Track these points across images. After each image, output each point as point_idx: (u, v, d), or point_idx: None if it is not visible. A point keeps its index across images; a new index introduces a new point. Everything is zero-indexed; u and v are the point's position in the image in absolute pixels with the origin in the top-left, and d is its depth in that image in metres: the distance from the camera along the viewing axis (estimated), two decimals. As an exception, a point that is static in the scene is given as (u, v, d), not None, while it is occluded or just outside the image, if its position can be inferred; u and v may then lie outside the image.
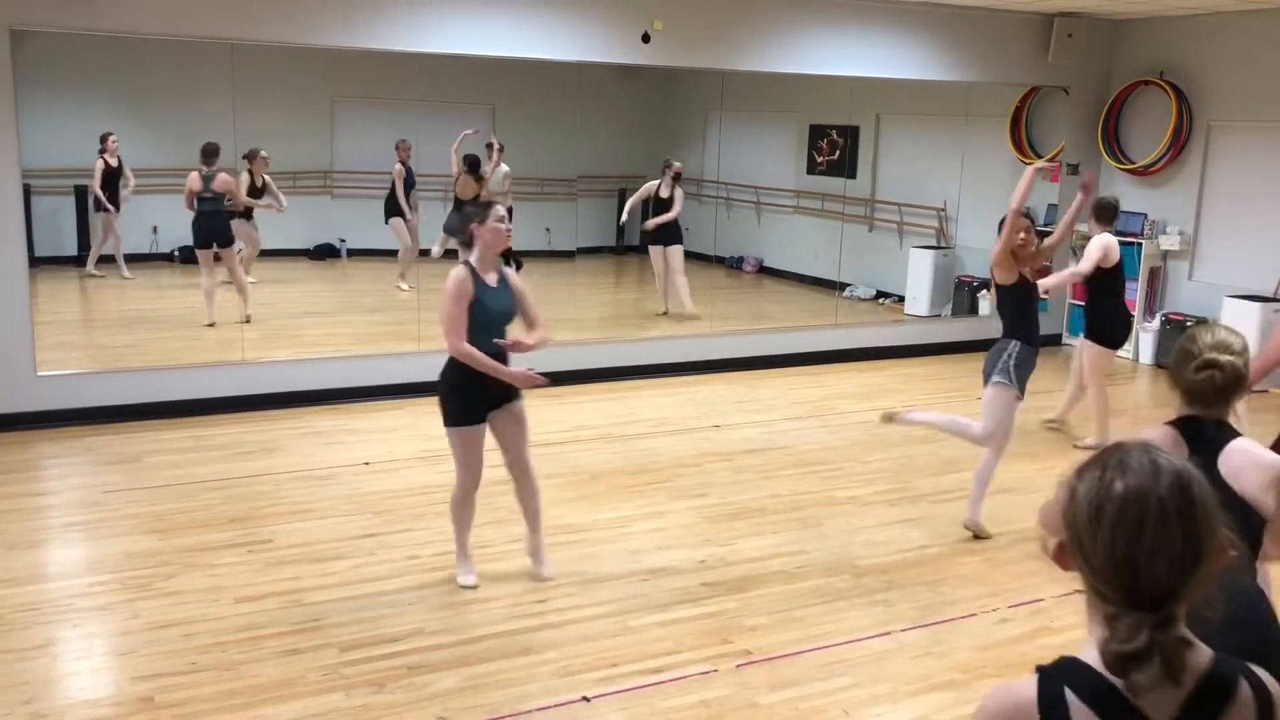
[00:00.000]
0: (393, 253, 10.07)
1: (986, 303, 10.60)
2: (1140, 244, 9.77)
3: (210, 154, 8.41)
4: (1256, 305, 8.69)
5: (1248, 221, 9.23)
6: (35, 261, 7.21)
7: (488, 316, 4.45)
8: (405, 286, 9.65)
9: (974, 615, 4.54)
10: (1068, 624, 4.44)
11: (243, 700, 3.72)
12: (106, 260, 9.30)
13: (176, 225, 9.28)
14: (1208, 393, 2.69)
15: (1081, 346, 7.20)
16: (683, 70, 9.19)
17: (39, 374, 6.79)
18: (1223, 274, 9.34)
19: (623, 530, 5.36)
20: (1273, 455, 2.70)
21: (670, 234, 9.95)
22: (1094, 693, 1.35)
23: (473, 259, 4.49)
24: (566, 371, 8.27)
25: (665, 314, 9.91)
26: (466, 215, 4.71)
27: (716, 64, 8.60)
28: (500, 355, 4.48)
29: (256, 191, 9.17)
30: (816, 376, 8.85)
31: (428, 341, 8.29)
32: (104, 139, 8.92)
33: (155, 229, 9.68)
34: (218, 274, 8.57)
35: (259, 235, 9.41)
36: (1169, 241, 9.64)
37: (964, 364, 9.49)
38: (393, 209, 9.82)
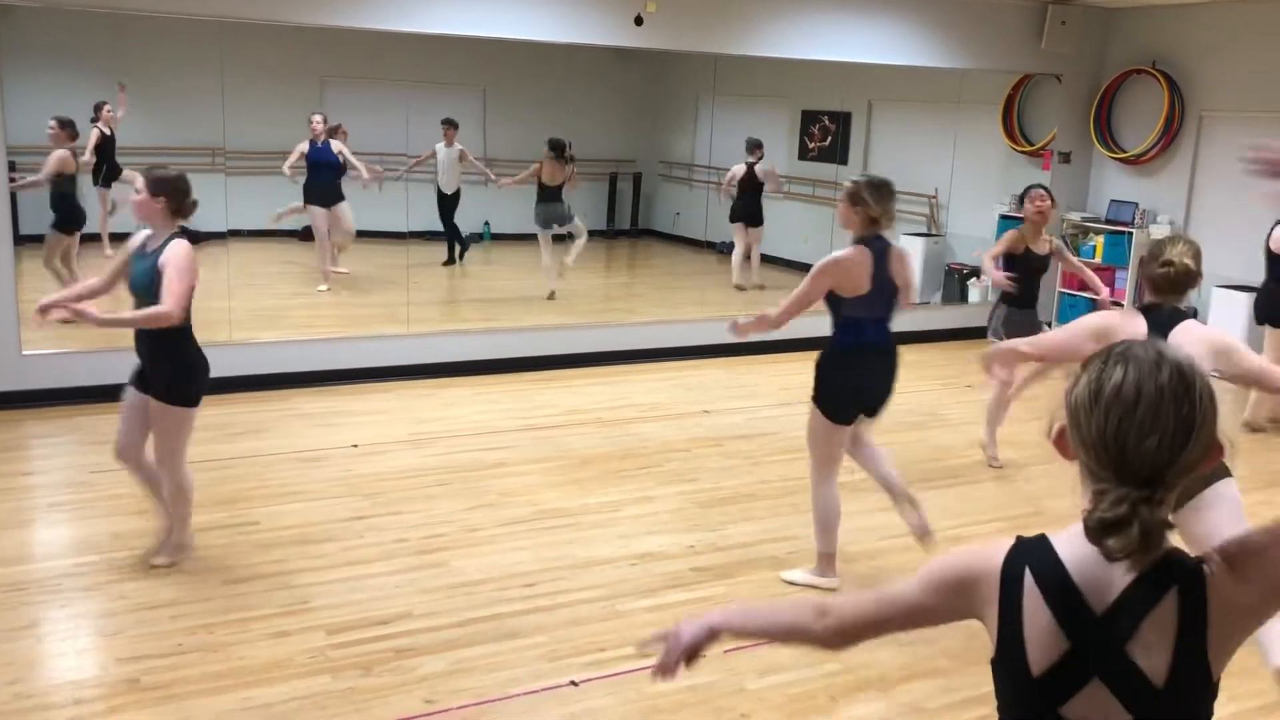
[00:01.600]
0: (381, 234, 10.00)
1: (977, 290, 10.62)
2: (1131, 233, 9.78)
3: None
4: (1245, 295, 8.71)
5: (1238, 212, 9.23)
6: (20, 239, 7.15)
7: None
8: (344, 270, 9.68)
9: (962, 602, 4.54)
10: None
11: (230, 682, 3.71)
12: (118, 238, 9.24)
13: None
14: (1164, 284, 3.55)
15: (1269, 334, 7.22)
16: (675, 54, 9.16)
17: (24, 353, 6.75)
18: (1212, 264, 9.23)
19: (612, 515, 5.35)
20: (1211, 330, 3.54)
21: (757, 213, 10.55)
22: (1048, 578, 1.45)
23: None
24: (557, 355, 8.28)
25: (741, 289, 10.49)
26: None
27: (709, 48, 8.57)
28: None
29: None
30: (806, 363, 8.77)
31: (417, 324, 8.28)
32: (98, 108, 8.83)
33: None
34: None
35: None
36: (1160, 231, 9.65)
37: (953, 351, 9.51)
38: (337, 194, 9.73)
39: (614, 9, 7.94)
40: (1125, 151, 9.89)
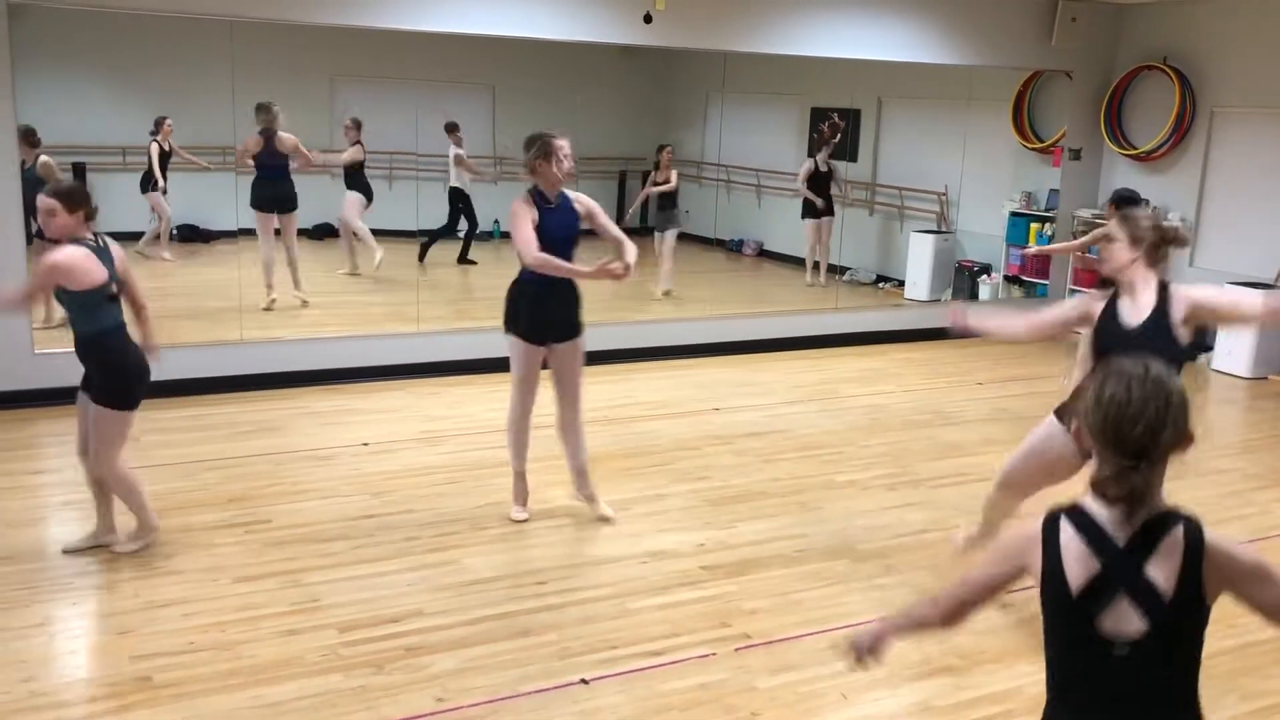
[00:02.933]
0: (392, 233, 10.00)
1: (987, 287, 10.59)
2: (1142, 230, 9.74)
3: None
4: (1257, 292, 8.67)
5: (1250, 208, 9.20)
6: (32, 239, 7.18)
7: None
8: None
9: (973, 600, 4.53)
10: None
11: (241, 680, 3.72)
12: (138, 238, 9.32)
13: (175, 204, 9.27)
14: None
15: None
16: (684, 51, 9.15)
17: (37, 352, 6.77)
18: (1224, 260, 9.32)
19: (622, 513, 5.35)
20: (1182, 287, 3.86)
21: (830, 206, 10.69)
22: (1079, 522, 1.97)
23: None
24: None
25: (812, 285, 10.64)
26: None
27: (718, 45, 8.55)
28: None
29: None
30: (816, 360, 8.84)
31: (426, 322, 8.29)
32: (159, 123, 8.93)
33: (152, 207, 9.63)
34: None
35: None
36: (1170, 228, 9.61)
37: (964, 349, 9.49)
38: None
39: (623, 7, 7.94)
40: (1136, 148, 9.85)
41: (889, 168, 11.21)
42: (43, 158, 7.62)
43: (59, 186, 4.42)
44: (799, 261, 11.11)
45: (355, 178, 9.84)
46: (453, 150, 10.33)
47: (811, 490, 5.80)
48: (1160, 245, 3.86)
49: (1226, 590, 1.92)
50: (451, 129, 10.25)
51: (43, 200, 4.32)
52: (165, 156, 8.99)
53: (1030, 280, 10.55)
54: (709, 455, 6.29)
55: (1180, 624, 1.91)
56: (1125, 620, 1.91)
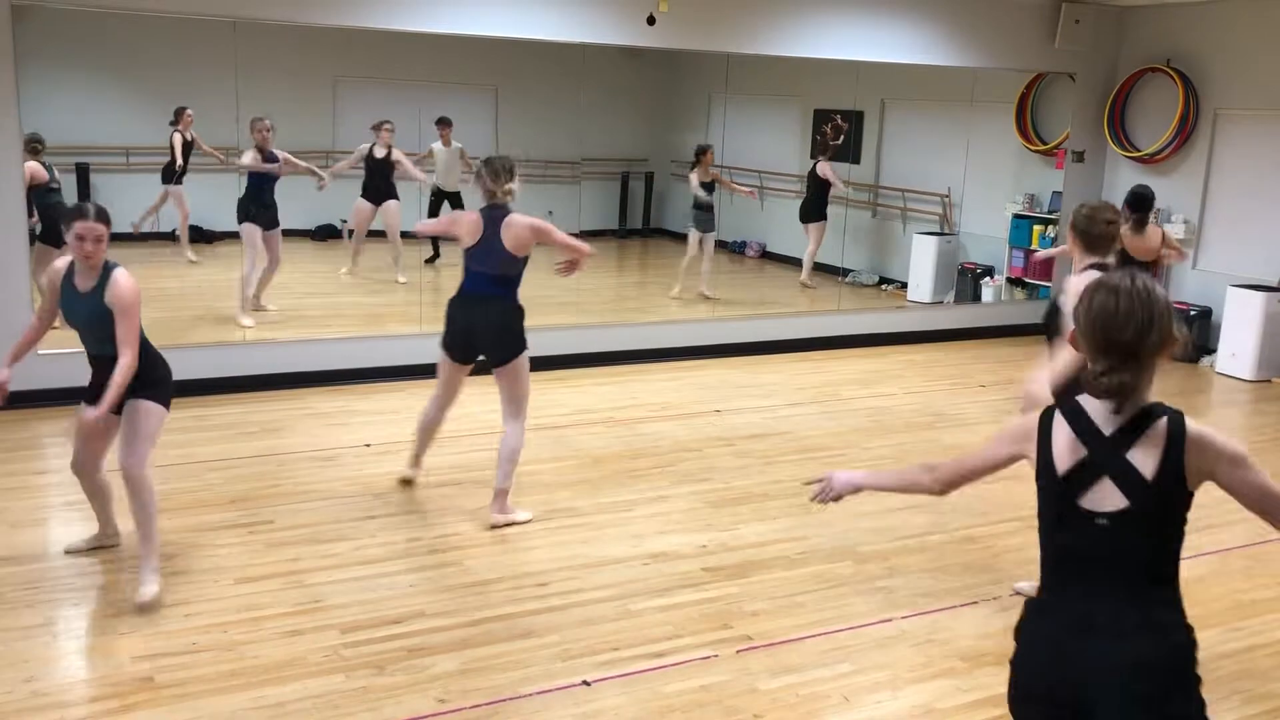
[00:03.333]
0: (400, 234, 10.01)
1: (990, 289, 10.59)
2: (1145, 232, 9.74)
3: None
4: (1260, 295, 8.67)
5: (1253, 211, 9.19)
6: (35, 239, 7.19)
7: None
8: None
9: (976, 603, 4.53)
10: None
11: (243, 681, 3.72)
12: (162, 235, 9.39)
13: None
14: (1107, 242, 4.28)
15: None
16: (687, 53, 9.15)
17: (39, 352, 6.75)
18: (1227, 263, 9.32)
19: (624, 514, 5.35)
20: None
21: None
22: (1071, 411, 2.21)
23: None
24: (569, 355, 8.28)
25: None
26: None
27: (721, 47, 8.56)
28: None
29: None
30: (819, 362, 8.84)
31: (429, 324, 8.28)
32: (179, 113, 8.89)
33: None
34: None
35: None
36: (1174, 230, 9.60)
37: (966, 351, 9.49)
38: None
39: (626, 8, 7.94)
40: (1139, 150, 9.84)
41: (892, 170, 11.21)
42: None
43: (104, 212, 4.18)
44: (802, 263, 11.11)
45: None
46: (443, 149, 10.33)
47: (814, 492, 5.79)
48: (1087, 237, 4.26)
49: (1207, 477, 2.14)
50: (447, 123, 10.20)
51: (98, 229, 4.11)
52: (187, 147, 9.00)
53: (1033, 282, 10.54)
54: (711, 457, 6.29)
55: (1161, 502, 2.12)
56: (1107, 499, 2.14)
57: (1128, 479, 2.12)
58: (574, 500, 5.50)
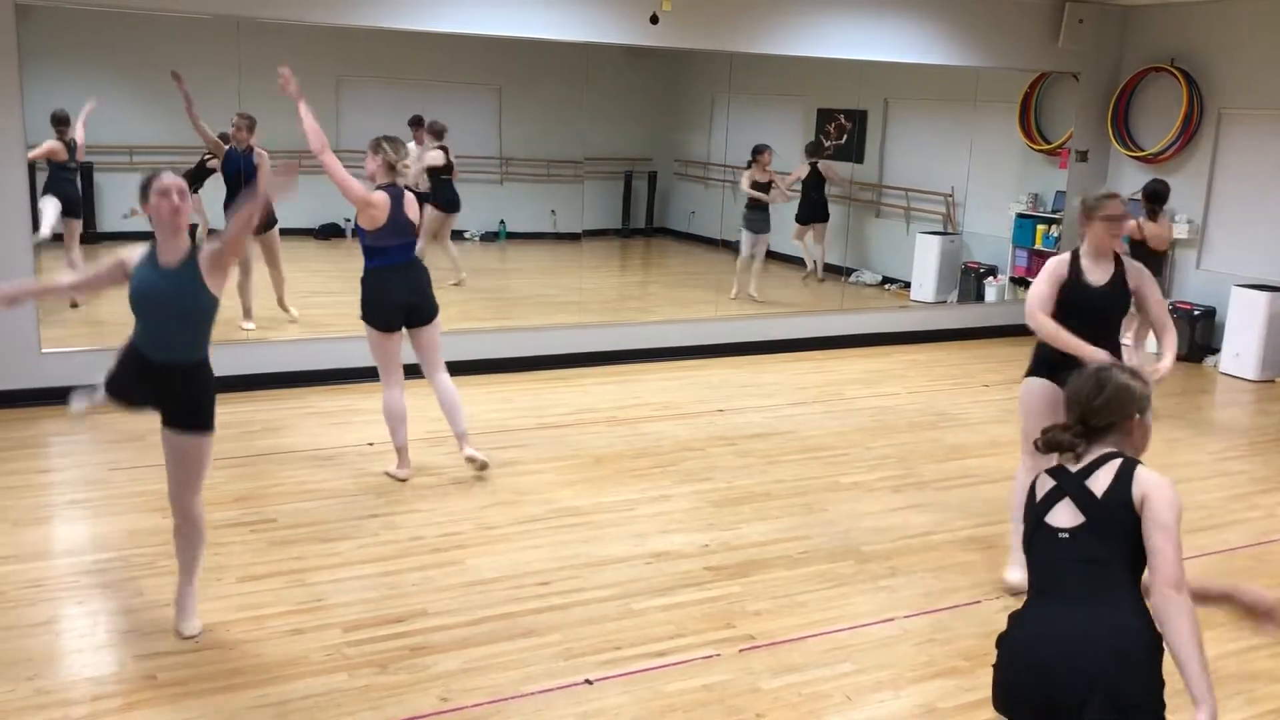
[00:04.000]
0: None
1: (993, 289, 10.58)
2: (1148, 232, 9.73)
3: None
4: (1264, 295, 8.66)
5: (1257, 210, 9.18)
6: (37, 229, 7.20)
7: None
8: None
9: (978, 602, 4.53)
10: (1072, 612, 4.44)
11: (245, 679, 3.72)
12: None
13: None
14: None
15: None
16: (691, 52, 9.15)
17: (43, 351, 6.79)
18: (1231, 263, 9.31)
19: (627, 514, 5.35)
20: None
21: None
22: (1053, 470, 2.67)
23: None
24: (571, 354, 8.29)
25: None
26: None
27: (725, 46, 8.55)
28: None
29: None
30: (822, 362, 8.84)
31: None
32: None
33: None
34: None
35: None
36: (1178, 230, 9.59)
37: (969, 350, 9.48)
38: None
39: (629, 8, 7.94)
40: (1143, 150, 9.83)
41: (895, 169, 11.20)
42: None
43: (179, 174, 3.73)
44: (804, 263, 11.12)
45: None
46: (417, 150, 10.31)
47: (816, 492, 5.79)
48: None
49: (1142, 514, 2.45)
50: (419, 124, 10.19)
51: (180, 183, 3.68)
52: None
53: (1036, 282, 10.52)
54: (714, 456, 6.29)
55: (1109, 517, 2.47)
56: (1068, 516, 2.54)
57: (1082, 498, 2.52)
58: (576, 499, 5.50)
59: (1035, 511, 2.60)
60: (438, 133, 9.67)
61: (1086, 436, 2.59)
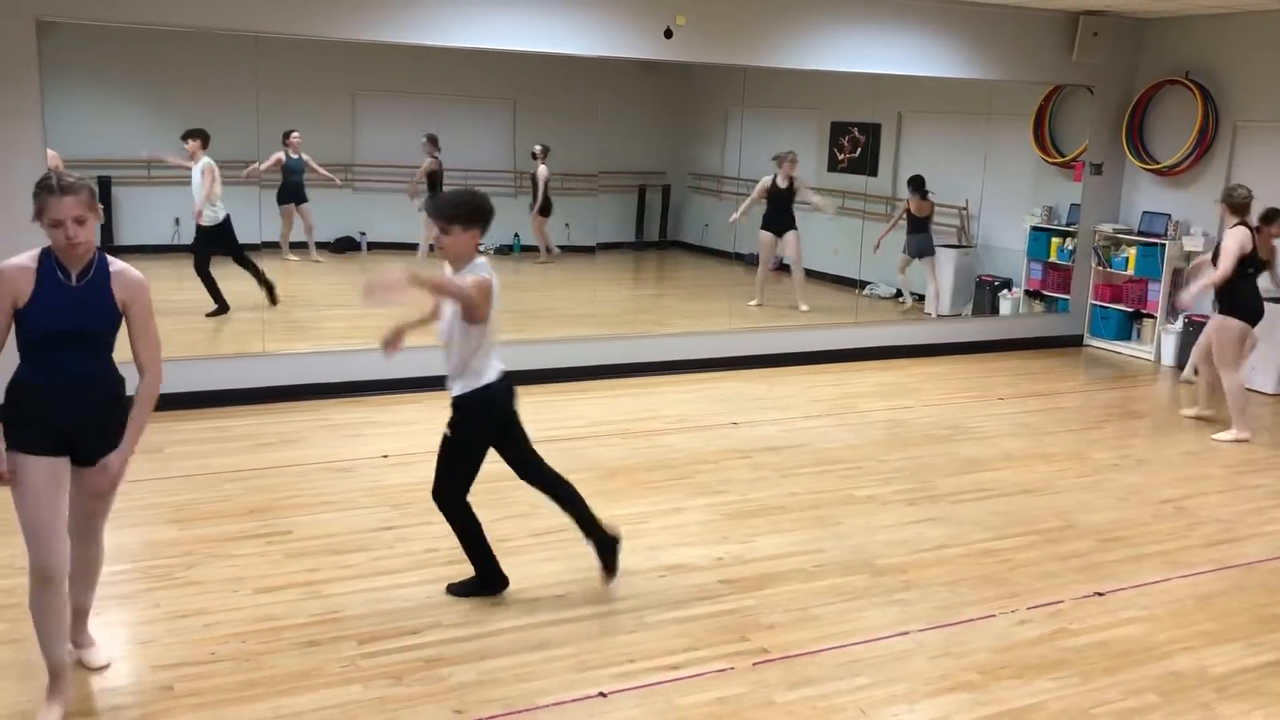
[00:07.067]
0: (410, 245, 10.05)
1: (1008, 302, 10.56)
2: (1163, 245, 9.70)
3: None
4: (1279, 308, 8.63)
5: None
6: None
7: None
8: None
9: (993, 616, 4.52)
10: (1086, 626, 4.42)
11: (261, 691, 3.74)
12: (298, 245, 9.84)
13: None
14: (1245, 206, 6.76)
15: (1216, 324, 7.49)
16: (704, 66, 9.17)
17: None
18: (1247, 276, 9.24)
19: (641, 526, 5.35)
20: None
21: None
22: None
23: None
24: (586, 367, 8.31)
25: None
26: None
27: (738, 60, 8.58)
28: None
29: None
30: (836, 375, 8.83)
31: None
32: (287, 135, 9.39)
33: (177, 220, 9.73)
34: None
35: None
36: (1193, 243, 9.56)
37: (984, 364, 9.46)
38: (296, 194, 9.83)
39: (644, 22, 7.98)
40: (1158, 163, 9.81)
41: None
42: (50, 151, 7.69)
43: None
44: (820, 276, 11.11)
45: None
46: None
47: (830, 505, 5.79)
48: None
49: None
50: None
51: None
52: (290, 164, 9.50)
53: (1051, 295, 10.50)
54: (727, 469, 6.29)
55: None
56: None
57: None
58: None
59: None
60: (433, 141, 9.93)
61: None
